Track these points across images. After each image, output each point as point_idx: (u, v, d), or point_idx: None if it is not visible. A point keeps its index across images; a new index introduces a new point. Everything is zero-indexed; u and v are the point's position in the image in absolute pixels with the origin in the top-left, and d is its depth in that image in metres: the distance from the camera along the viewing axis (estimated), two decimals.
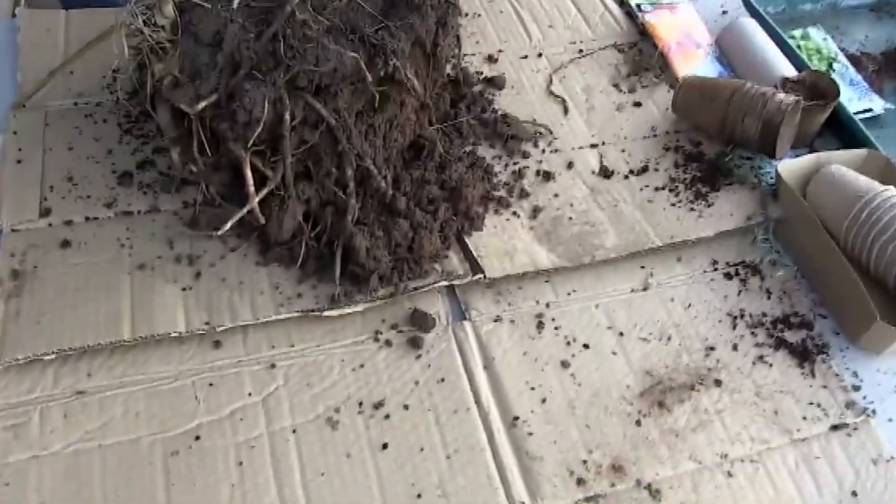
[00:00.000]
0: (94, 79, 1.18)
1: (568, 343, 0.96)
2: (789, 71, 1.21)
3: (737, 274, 1.05)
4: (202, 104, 0.91)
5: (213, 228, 1.00)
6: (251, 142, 0.92)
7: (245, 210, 0.94)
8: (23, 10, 1.26)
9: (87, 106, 1.15)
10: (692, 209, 1.09)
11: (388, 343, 0.94)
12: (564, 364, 0.94)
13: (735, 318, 1.01)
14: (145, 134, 1.11)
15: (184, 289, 0.96)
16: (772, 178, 1.12)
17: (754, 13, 1.30)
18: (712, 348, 0.98)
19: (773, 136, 1.09)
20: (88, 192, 1.05)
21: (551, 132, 1.16)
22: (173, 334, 0.92)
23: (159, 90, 0.94)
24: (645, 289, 1.02)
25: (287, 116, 0.92)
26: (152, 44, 0.94)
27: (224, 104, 0.93)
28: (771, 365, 0.97)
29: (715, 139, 1.16)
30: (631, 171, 1.13)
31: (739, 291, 1.03)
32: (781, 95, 1.10)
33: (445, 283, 0.98)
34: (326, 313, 0.95)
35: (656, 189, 1.11)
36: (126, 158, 1.09)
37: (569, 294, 1.00)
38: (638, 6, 1.33)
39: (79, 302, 0.94)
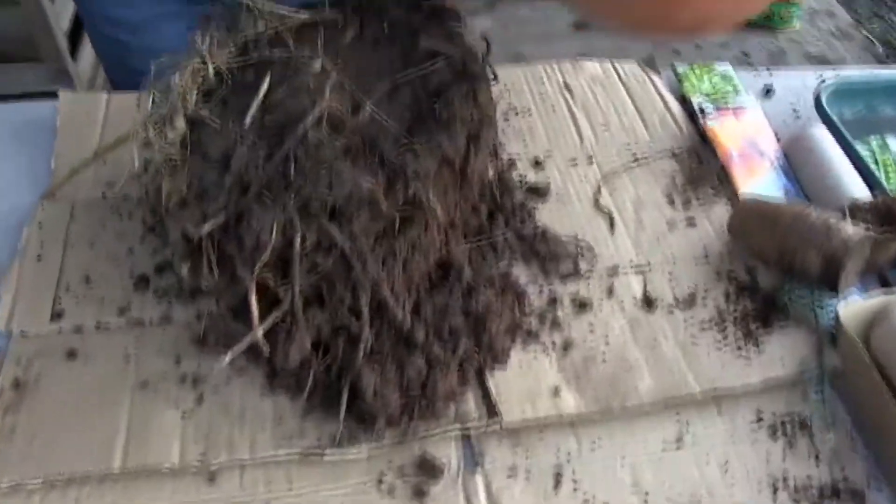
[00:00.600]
0: (124, 168, 1.15)
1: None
2: (861, 191, 1.11)
3: (783, 429, 0.95)
4: (207, 227, 0.87)
5: (222, 346, 0.95)
6: (258, 267, 0.87)
7: (248, 341, 0.89)
8: (64, 93, 1.24)
9: (115, 199, 1.12)
10: (740, 351, 1.00)
11: (391, 491, 0.88)
12: None
13: (776, 483, 0.91)
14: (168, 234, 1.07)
15: (184, 414, 0.92)
16: (833, 318, 1.02)
17: (826, 119, 1.20)
18: None
19: (836, 272, 1.00)
20: (103, 294, 1.02)
21: (593, 251, 1.08)
22: (166, 467, 0.87)
23: (167, 207, 0.90)
24: (678, 444, 0.93)
25: (297, 241, 0.87)
26: (163, 158, 0.90)
27: (231, 226, 0.88)
28: None
29: (772, 268, 1.07)
30: (676, 302, 1.04)
31: (784, 451, 0.94)
32: (849, 227, 1.00)
33: (459, 429, 0.91)
34: (327, 458, 0.89)
35: (702, 325, 1.02)
36: (145, 260, 1.05)
37: (593, 444, 0.93)
38: (700, 108, 1.24)
39: (74, 423, 0.90)
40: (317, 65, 0.93)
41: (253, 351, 0.94)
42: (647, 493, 0.89)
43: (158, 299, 1.02)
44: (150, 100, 0.91)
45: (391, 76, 0.97)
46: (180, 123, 0.88)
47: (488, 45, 0.98)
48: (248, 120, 0.89)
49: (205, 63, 0.92)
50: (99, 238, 1.08)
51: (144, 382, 0.94)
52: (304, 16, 1.00)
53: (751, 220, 1.06)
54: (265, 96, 0.91)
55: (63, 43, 2.17)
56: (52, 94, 1.55)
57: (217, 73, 0.94)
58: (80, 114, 1.22)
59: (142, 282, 1.03)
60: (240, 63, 0.95)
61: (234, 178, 0.86)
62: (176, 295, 1.02)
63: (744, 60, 2.73)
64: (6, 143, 1.20)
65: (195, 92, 0.91)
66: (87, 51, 2.36)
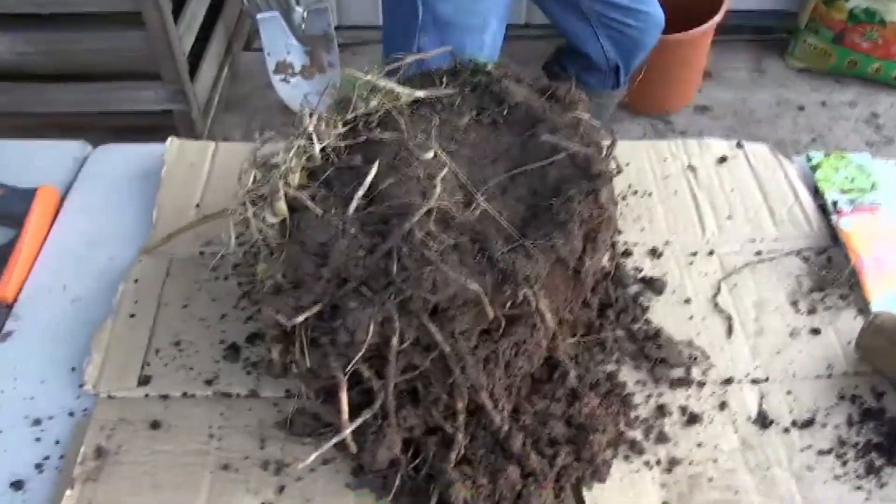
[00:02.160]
0: (225, 225, 1.12)
1: None
2: None
3: None
4: (301, 317, 0.83)
5: (308, 433, 0.92)
6: (351, 365, 0.83)
7: (336, 439, 0.84)
8: (172, 141, 1.22)
9: (213, 257, 1.09)
10: (860, 487, 0.91)
11: None
12: None
13: None
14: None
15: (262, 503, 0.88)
16: None
17: None
18: None
19: None
20: (192, 362, 0.99)
21: (708, 358, 1.01)
22: None
23: (261, 291, 0.87)
24: None
25: (395, 340, 0.82)
26: (259, 239, 0.86)
27: (327, 318, 0.84)
28: None
29: None
30: (794, 423, 0.96)
31: None
32: None
33: None
34: None
35: (820, 452, 0.94)
36: (238, 327, 1.03)
37: None
38: (834, 203, 1.15)
39: (152, 502, 0.88)
40: (429, 153, 0.88)
41: (341, 442, 0.90)
42: None
43: (248, 372, 0.98)
44: (251, 177, 0.87)
45: (508, 166, 0.92)
46: (281, 207, 0.84)
47: (613, 138, 0.92)
48: (351, 209, 0.84)
49: (311, 141, 0.88)
50: (193, 299, 1.06)
51: (226, 465, 0.91)
52: (419, 93, 0.95)
53: (882, 341, 0.98)
54: (371, 183, 0.86)
55: (183, 64, 2.17)
56: (169, 112, 1.53)
57: (323, 151, 0.90)
58: (185, 164, 1.20)
59: (232, 350, 1.00)
60: (348, 143, 0.91)
61: (333, 271, 0.82)
62: (266, 369, 0.98)
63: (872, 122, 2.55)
64: (113, 189, 1.19)
65: (299, 172, 0.87)
66: (206, 73, 2.37)
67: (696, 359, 1.01)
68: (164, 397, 0.96)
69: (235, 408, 0.96)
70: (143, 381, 0.98)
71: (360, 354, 0.81)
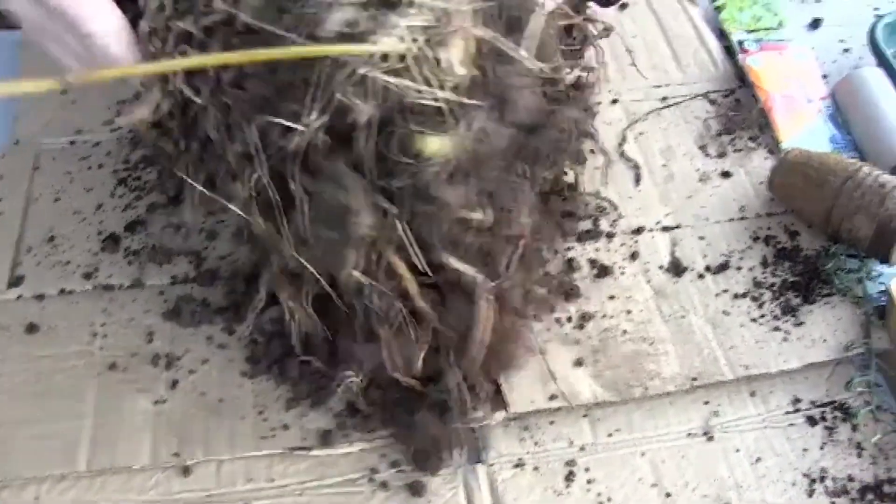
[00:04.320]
0: (96, 111, 1.03)
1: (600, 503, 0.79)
2: None
3: (823, 418, 0.85)
4: None
5: (195, 324, 0.86)
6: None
7: None
8: None
9: (85, 145, 1.01)
10: (777, 328, 0.89)
11: (384, 486, 0.79)
12: None
13: (813, 481, 0.81)
14: (141, 186, 0.97)
15: (155, 402, 0.82)
16: (883, 292, 0.91)
17: (881, 58, 1.06)
18: None
19: (889, 242, 0.88)
20: (68, 256, 0.92)
21: (616, 208, 0.96)
22: (135, 467, 0.79)
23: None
24: (707, 434, 0.83)
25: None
26: None
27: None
28: None
29: (817, 230, 0.95)
30: (708, 269, 0.93)
31: (823, 444, 0.84)
32: None
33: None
34: (315, 452, 0.80)
35: (736, 296, 0.91)
36: (116, 216, 0.95)
37: (610, 435, 0.83)
38: (740, 43, 1.10)
39: (35, 415, 0.81)
40: None
41: (234, 321, 0.84)
42: (668, 495, 0.79)
43: (129, 261, 0.91)
44: None
45: None
46: None
47: None
48: None
49: None
50: (66, 191, 0.98)
51: (113, 364, 0.85)
52: None
53: (795, 178, 0.94)
54: None
55: None
56: None
57: None
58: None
59: (111, 240, 0.93)
60: None
61: None
62: (149, 257, 0.91)
63: None
64: None
65: None
66: None
67: (604, 210, 0.96)
68: (40, 297, 0.89)
69: (119, 301, 0.89)
70: (15, 281, 0.90)
71: None
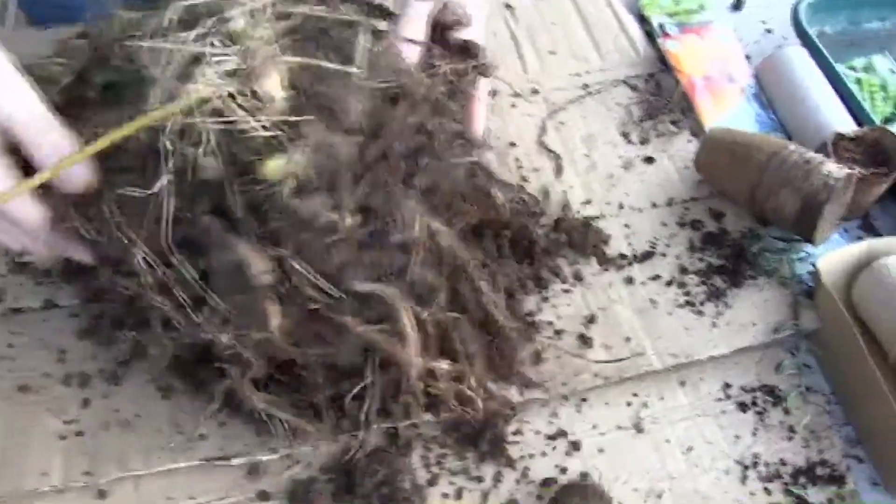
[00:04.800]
0: None
1: None
2: (844, 121, 0.97)
3: (754, 404, 0.84)
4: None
5: (112, 339, 0.83)
6: None
7: None
8: None
9: None
10: (703, 314, 0.87)
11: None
12: None
13: (746, 467, 0.81)
14: None
15: (66, 422, 0.79)
16: (810, 271, 0.90)
17: (804, 38, 1.05)
18: None
19: (814, 218, 0.87)
20: None
21: (538, 202, 0.94)
22: (45, 489, 0.75)
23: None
24: (636, 427, 0.82)
25: None
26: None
27: None
28: None
29: (743, 210, 0.94)
30: (634, 257, 0.91)
31: (755, 430, 0.83)
32: (830, 165, 0.87)
33: None
34: (235, 461, 0.77)
35: (663, 283, 0.90)
36: None
37: (537, 431, 0.81)
38: (661, 27, 1.09)
39: None
40: None
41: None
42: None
43: (38, 282, 0.88)
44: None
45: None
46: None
47: None
48: None
49: None
50: None
51: (24, 385, 0.81)
52: None
53: (720, 157, 0.93)
54: None
55: None
56: None
57: None
58: None
59: (19, 263, 0.89)
60: None
61: None
62: (60, 276, 0.88)
63: None
64: None
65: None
66: None
67: (523, 201, 0.94)
68: None
69: (29, 322, 0.86)
70: None
71: None
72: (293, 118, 0.65)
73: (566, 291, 0.89)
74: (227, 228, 0.67)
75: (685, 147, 1.00)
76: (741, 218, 0.94)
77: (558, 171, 0.98)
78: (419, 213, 0.70)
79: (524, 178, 0.97)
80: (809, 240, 0.89)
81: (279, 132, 0.65)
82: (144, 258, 0.68)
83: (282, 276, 0.67)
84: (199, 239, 0.67)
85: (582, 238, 0.91)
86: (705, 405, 0.84)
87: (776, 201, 0.89)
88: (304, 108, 0.66)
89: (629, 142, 1.01)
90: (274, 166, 0.65)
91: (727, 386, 0.85)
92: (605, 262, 0.91)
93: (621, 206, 0.95)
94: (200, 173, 0.65)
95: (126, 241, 0.68)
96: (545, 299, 0.88)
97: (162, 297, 0.69)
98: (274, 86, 0.66)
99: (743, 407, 0.84)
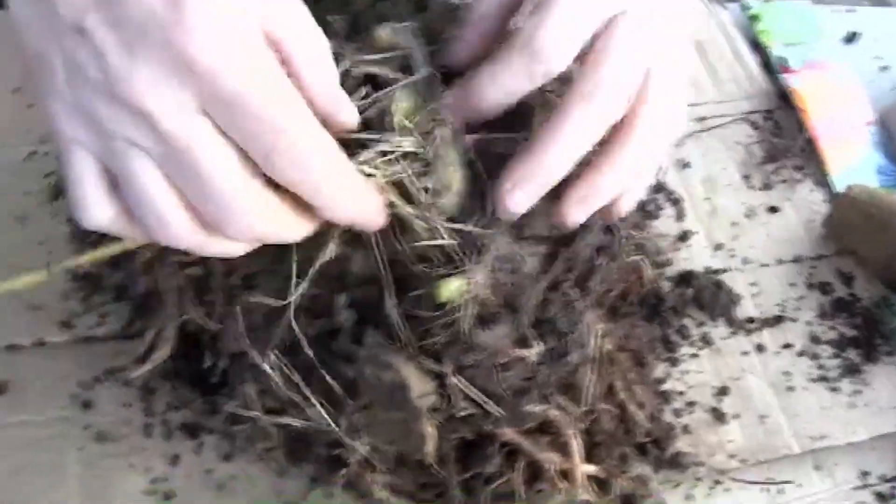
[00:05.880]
0: None
1: None
2: None
3: (893, 495, 0.78)
4: None
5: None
6: None
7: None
8: None
9: (47, 158, 0.86)
10: (839, 391, 0.81)
11: None
12: None
13: None
14: None
15: (153, 480, 0.70)
16: None
17: None
18: None
19: None
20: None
21: (661, 251, 0.87)
22: None
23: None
24: None
25: None
26: None
27: None
28: None
29: (873, 273, 0.87)
30: (763, 321, 0.85)
31: None
32: None
33: None
34: None
35: (795, 353, 0.83)
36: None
37: None
38: (781, 60, 1.01)
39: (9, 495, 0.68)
40: None
41: None
42: None
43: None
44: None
45: None
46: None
47: None
48: None
49: None
50: (29, 216, 0.83)
51: (101, 434, 0.72)
52: None
53: (856, 217, 0.86)
54: None
55: None
56: None
57: None
58: None
59: (88, 282, 0.79)
60: None
61: None
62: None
63: None
64: None
65: None
66: None
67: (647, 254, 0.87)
68: (12, 348, 0.75)
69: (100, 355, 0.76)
70: None
71: None
72: (477, 228, 0.56)
73: (694, 356, 0.82)
74: (384, 343, 0.58)
75: (809, 196, 0.93)
76: (872, 284, 0.87)
77: (680, 215, 0.90)
78: (597, 326, 0.62)
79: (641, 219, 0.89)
80: None
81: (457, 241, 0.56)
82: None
83: (440, 395, 0.60)
84: (347, 349, 0.61)
85: (713, 297, 0.84)
86: (843, 494, 0.78)
87: None
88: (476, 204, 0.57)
89: (750, 186, 0.94)
90: (452, 289, 0.55)
91: (864, 474, 0.79)
92: (736, 325, 0.83)
93: (746, 261, 0.88)
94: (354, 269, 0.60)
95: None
96: (673, 364, 0.81)
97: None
98: (453, 175, 0.56)
99: (881, 497, 0.78)
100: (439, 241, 0.54)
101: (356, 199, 0.52)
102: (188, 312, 0.67)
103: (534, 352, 0.58)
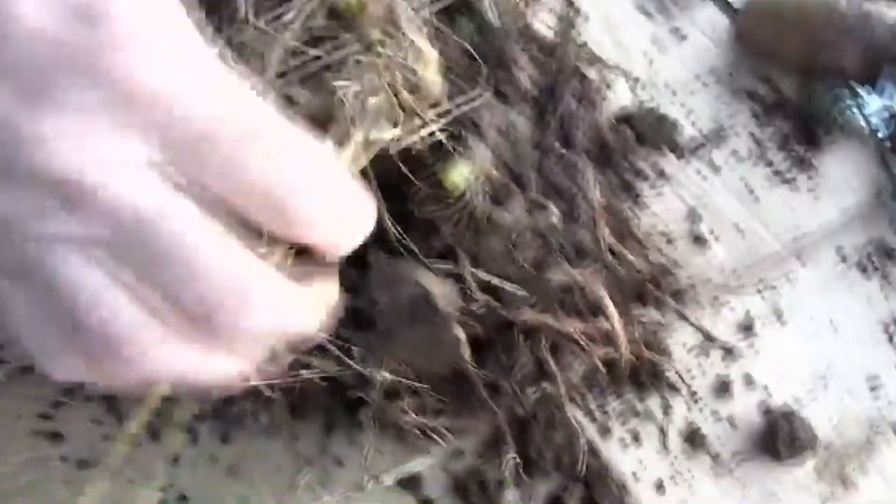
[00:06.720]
0: None
1: None
2: None
3: (871, 262, 0.81)
4: None
5: None
6: None
7: None
8: None
9: None
10: (798, 187, 0.83)
11: None
12: None
13: (888, 325, 0.78)
14: None
15: (162, 489, 0.66)
16: (885, 118, 0.87)
17: None
18: (876, 378, 0.75)
19: (880, 65, 0.83)
20: None
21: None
22: None
23: None
24: (778, 316, 0.77)
25: None
26: None
27: None
28: None
29: (793, 73, 0.88)
30: (706, 141, 0.85)
31: (882, 287, 0.80)
32: (894, 13, 0.83)
33: None
34: (387, 479, 0.67)
35: (747, 162, 0.84)
36: None
37: (688, 349, 0.75)
38: None
39: None
40: None
41: None
42: (767, 388, 0.73)
43: None
44: None
45: None
46: None
47: None
48: None
49: None
50: None
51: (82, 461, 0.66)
52: None
53: (765, 24, 0.87)
54: None
55: None
56: None
57: None
58: None
59: None
60: None
61: None
62: None
63: None
64: None
65: None
66: None
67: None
68: None
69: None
70: None
71: None
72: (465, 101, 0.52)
73: (658, 195, 0.82)
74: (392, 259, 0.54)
75: (712, 16, 0.93)
76: (794, 79, 0.89)
77: (592, 60, 0.88)
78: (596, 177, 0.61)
79: None
80: (873, 84, 0.85)
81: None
82: None
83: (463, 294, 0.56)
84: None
85: (655, 130, 0.83)
86: (830, 278, 0.80)
87: (833, 51, 0.85)
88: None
89: (648, 15, 0.93)
90: (459, 173, 0.52)
91: (840, 250, 0.81)
92: (685, 151, 0.83)
93: (669, 90, 0.88)
94: None
95: None
96: (639, 205, 0.80)
97: None
98: (433, 69, 0.51)
99: (863, 268, 0.81)
100: (431, 130, 0.50)
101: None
102: None
103: (557, 213, 0.56)
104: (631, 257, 0.71)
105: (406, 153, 0.53)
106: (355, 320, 0.59)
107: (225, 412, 0.69)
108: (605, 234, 0.69)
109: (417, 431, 0.67)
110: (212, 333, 0.33)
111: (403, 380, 0.63)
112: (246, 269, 0.34)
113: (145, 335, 0.33)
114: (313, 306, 0.39)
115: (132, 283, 0.32)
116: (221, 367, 0.35)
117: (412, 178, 0.53)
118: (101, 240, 0.31)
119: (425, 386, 0.67)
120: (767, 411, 0.73)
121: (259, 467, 0.68)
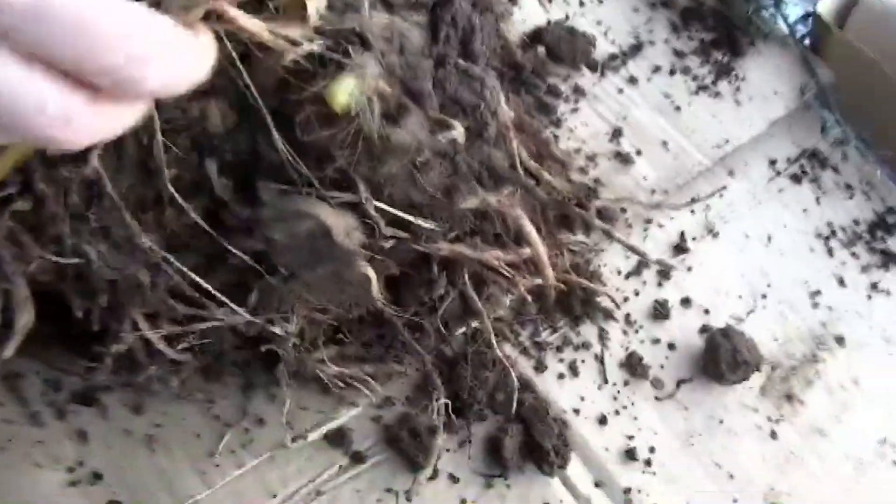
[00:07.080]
0: None
1: None
2: None
3: (804, 172, 0.78)
4: None
5: None
6: None
7: None
8: None
9: None
10: (722, 95, 0.79)
11: None
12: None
13: (826, 238, 0.75)
14: None
15: (70, 469, 0.60)
16: (805, 20, 0.84)
17: None
18: (818, 293, 0.72)
19: None
20: None
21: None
22: None
23: None
24: (711, 231, 0.73)
25: None
26: None
27: None
28: (889, 293, 0.74)
29: None
30: (623, 54, 0.80)
31: (817, 198, 0.77)
32: None
33: None
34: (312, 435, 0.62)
35: (667, 73, 0.80)
36: None
37: (619, 273, 0.71)
38: None
39: None
40: None
41: None
42: (706, 311, 0.70)
43: None
44: None
45: None
46: None
47: None
48: None
49: None
50: None
51: None
52: None
53: None
54: None
55: None
56: None
57: None
58: None
59: None
60: None
61: None
62: None
63: None
64: None
65: None
66: None
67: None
68: None
69: None
70: None
71: None
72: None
73: (574, 111, 0.77)
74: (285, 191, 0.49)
75: None
76: None
77: None
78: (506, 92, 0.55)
79: None
80: None
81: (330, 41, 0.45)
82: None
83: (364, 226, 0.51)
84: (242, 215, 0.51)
85: (569, 46, 0.78)
86: (761, 190, 0.77)
87: None
88: None
89: None
90: (347, 89, 0.45)
91: (772, 161, 0.78)
92: (600, 67, 0.79)
93: (581, 3, 0.83)
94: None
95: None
96: (557, 125, 0.76)
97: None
98: None
99: (796, 178, 0.77)
100: (310, 47, 0.44)
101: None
102: (34, 258, 0.54)
103: (460, 129, 0.50)
104: (550, 178, 0.66)
105: (295, 75, 0.47)
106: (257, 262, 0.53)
107: (131, 380, 0.62)
108: (522, 154, 0.63)
109: (340, 382, 0.61)
110: (113, 92, 0.32)
111: (313, 327, 0.58)
112: (142, 26, 0.32)
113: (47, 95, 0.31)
114: (202, 53, 0.36)
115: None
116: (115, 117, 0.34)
117: (299, 98, 0.47)
118: None
119: (343, 332, 0.62)
120: (706, 331, 0.69)
121: (176, 436, 0.61)
